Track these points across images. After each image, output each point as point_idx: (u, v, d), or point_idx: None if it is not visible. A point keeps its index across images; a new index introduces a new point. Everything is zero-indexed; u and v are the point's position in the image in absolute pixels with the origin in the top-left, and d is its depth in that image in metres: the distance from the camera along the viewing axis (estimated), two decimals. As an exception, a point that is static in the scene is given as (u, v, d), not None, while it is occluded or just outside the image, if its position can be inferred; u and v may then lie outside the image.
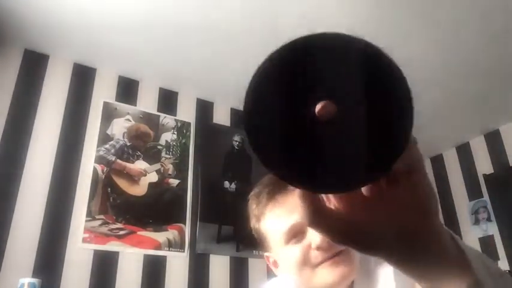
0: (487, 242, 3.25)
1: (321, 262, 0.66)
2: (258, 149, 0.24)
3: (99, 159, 2.38)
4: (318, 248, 0.65)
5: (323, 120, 0.23)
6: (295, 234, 0.68)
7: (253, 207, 0.77)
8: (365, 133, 0.24)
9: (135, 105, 2.64)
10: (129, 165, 2.47)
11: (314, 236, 0.66)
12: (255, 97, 0.24)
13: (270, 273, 0.82)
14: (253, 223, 0.78)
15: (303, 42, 0.23)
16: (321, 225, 0.29)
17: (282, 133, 0.24)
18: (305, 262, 0.67)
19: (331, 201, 0.31)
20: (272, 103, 0.24)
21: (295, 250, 0.68)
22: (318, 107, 0.24)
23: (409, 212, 0.29)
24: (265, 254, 0.80)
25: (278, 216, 0.71)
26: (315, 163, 0.25)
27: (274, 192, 0.72)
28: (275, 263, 0.77)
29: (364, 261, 0.69)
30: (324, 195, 0.30)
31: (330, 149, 0.24)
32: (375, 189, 0.29)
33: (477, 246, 3.30)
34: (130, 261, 2.26)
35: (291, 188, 0.32)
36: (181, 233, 2.48)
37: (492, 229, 3.22)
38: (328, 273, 0.65)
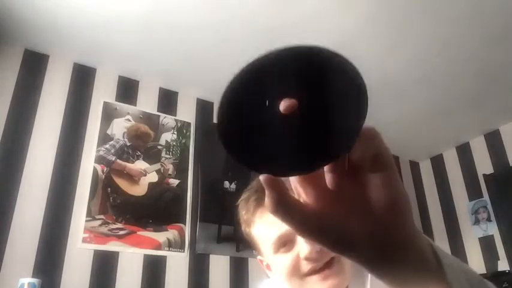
0: (487, 242, 3.25)
1: (311, 272, 0.65)
2: (224, 137, 0.29)
3: (99, 159, 2.38)
4: (307, 259, 0.65)
5: (287, 114, 0.27)
6: (284, 243, 0.68)
7: (242, 212, 0.76)
8: (321, 120, 0.28)
9: (135, 105, 2.64)
10: (129, 165, 2.47)
11: (302, 246, 0.65)
12: (230, 102, 0.28)
13: (270, 273, 0.82)
14: (243, 228, 0.78)
15: (267, 58, 0.28)
16: (283, 214, 0.29)
17: (248, 125, 0.29)
18: (294, 272, 0.66)
19: (301, 195, 0.31)
20: (243, 102, 0.28)
21: (285, 259, 0.67)
22: (282, 104, 0.27)
23: (380, 213, 0.28)
24: (258, 257, 0.80)
25: (267, 224, 0.70)
26: (275, 149, 0.28)
27: (263, 198, 0.72)
28: (268, 266, 0.77)
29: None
30: (294, 189, 0.31)
31: (291, 137, 0.28)
32: (337, 180, 0.28)
33: (477, 246, 3.30)
34: (131, 261, 2.26)
35: None
36: (181, 233, 2.48)
37: (492, 229, 3.22)
38: (317, 287, 0.65)
